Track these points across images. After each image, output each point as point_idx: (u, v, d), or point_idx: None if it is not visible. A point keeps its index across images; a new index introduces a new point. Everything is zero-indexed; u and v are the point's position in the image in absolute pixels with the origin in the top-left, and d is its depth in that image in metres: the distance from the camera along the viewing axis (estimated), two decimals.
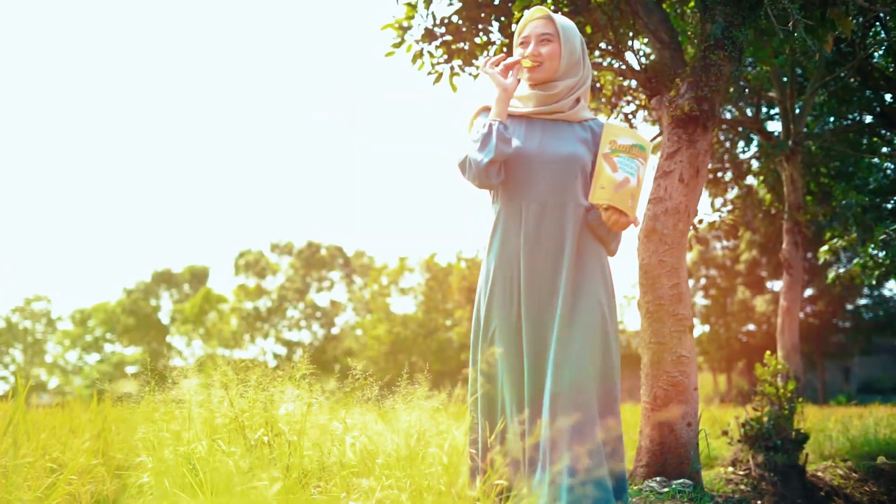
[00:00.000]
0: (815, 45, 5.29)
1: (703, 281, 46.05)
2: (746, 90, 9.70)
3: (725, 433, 7.76)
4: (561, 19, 3.87)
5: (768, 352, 7.54)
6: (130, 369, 68.63)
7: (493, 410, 3.75)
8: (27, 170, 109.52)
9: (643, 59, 7.24)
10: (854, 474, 8.04)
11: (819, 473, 7.80)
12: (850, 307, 40.16)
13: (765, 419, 7.13)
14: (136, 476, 4.18)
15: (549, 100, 3.85)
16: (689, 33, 5.51)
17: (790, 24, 4.79)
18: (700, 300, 46.40)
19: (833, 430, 10.47)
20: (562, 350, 3.56)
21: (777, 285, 41.84)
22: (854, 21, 5.53)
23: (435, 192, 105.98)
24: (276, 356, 64.11)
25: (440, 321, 55.27)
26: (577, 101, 3.88)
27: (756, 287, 42.98)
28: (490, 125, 3.71)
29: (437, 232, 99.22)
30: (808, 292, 38.40)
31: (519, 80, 3.88)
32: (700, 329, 45.72)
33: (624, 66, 6.29)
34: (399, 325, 55.15)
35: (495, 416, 3.73)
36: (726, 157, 11.20)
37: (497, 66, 3.85)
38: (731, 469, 7.24)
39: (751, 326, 43.73)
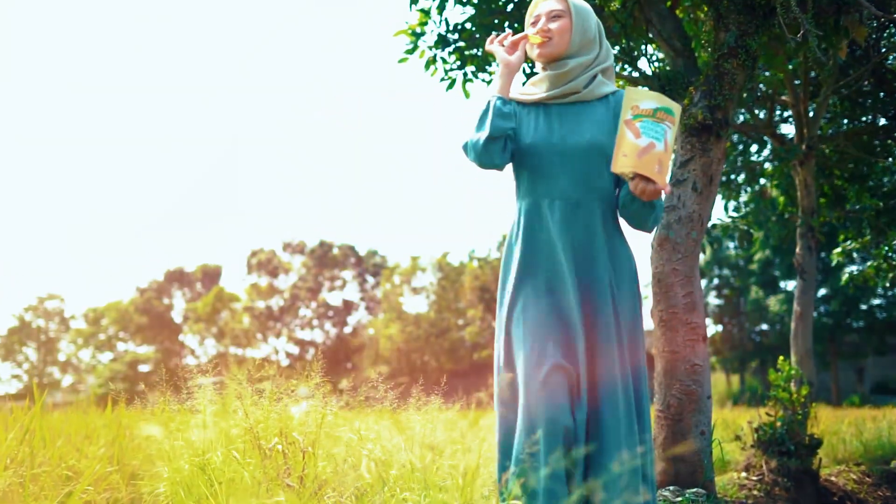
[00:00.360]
0: (825, 56, 5.29)
1: (716, 281, 46.02)
2: (759, 95, 9.68)
3: (738, 438, 7.76)
4: None
5: (782, 357, 7.54)
6: (143, 368, 68.95)
7: (510, 436, 3.45)
8: (40, 169, 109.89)
9: (657, 64, 7.23)
10: (868, 479, 8.03)
11: (832, 478, 7.78)
12: (863, 307, 40.01)
13: (778, 424, 7.12)
14: (151, 485, 4.19)
15: (561, 79, 3.62)
16: (703, 42, 5.50)
17: (801, 33, 4.78)
18: (713, 300, 46.34)
19: (846, 433, 10.44)
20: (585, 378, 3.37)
21: (790, 285, 41.78)
22: (867, 26, 5.52)
23: (447, 192, 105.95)
24: (288, 355, 64.26)
25: (452, 321, 55.31)
26: (594, 77, 3.66)
27: (769, 287, 42.90)
28: (487, 102, 3.57)
29: (450, 231, 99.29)
30: (822, 292, 38.28)
31: (525, 57, 3.71)
32: (713, 329, 45.72)
33: (637, 74, 6.30)
34: (411, 325, 55.20)
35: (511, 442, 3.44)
36: (739, 160, 11.17)
37: (504, 42, 3.70)
38: (744, 474, 7.23)
39: (764, 326, 43.68)
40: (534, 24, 3.70)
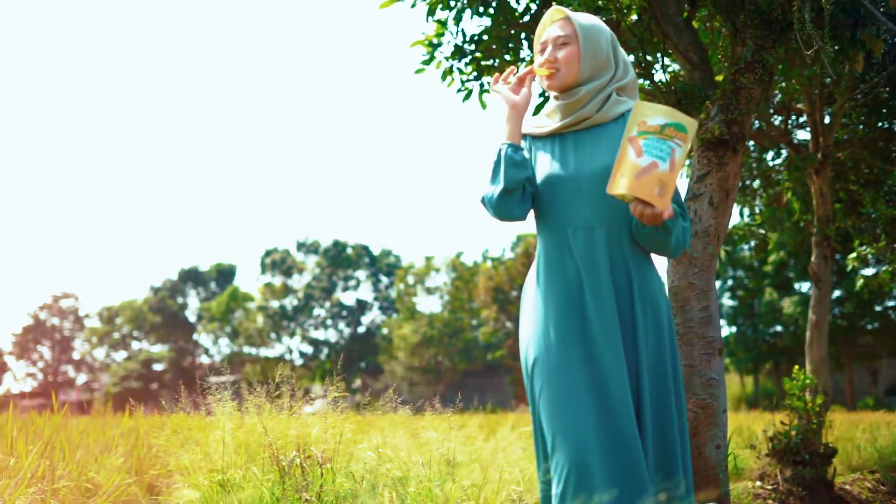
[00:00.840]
0: (841, 69, 5.26)
1: (730, 282, 45.90)
2: (775, 100, 9.65)
3: (753, 447, 7.76)
4: (582, 18, 3.43)
5: (797, 366, 7.53)
6: (157, 366, 69.25)
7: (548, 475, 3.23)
8: (57, 167, 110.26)
9: (672, 71, 7.21)
10: (882, 487, 8.00)
11: (847, 487, 7.77)
12: (878, 308, 39.86)
13: (793, 433, 7.12)
14: (170, 501, 4.21)
15: (573, 108, 3.39)
16: (720, 56, 5.49)
17: (814, 49, 4.78)
18: (727, 301, 46.21)
19: (861, 439, 10.44)
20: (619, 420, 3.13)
21: (805, 286, 41.65)
22: (884, 39, 5.51)
23: (461, 192, 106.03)
24: (302, 355, 64.41)
25: (466, 321, 55.36)
26: (609, 97, 3.40)
27: (784, 288, 42.75)
28: (498, 151, 3.33)
29: (464, 231, 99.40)
30: (836, 293, 38.14)
31: (530, 94, 3.44)
32: (727, 330, 45.59)
33: (653, 87, 6.29)
34: (425, 325, 55.25)
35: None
36: (755, 165, 11.13)
37: (507, 80, 3.46)
38: (758, 483, 7.23)
39: (778, 328, 43.52)
40: (542, 51, 3.48)
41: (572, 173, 3.33)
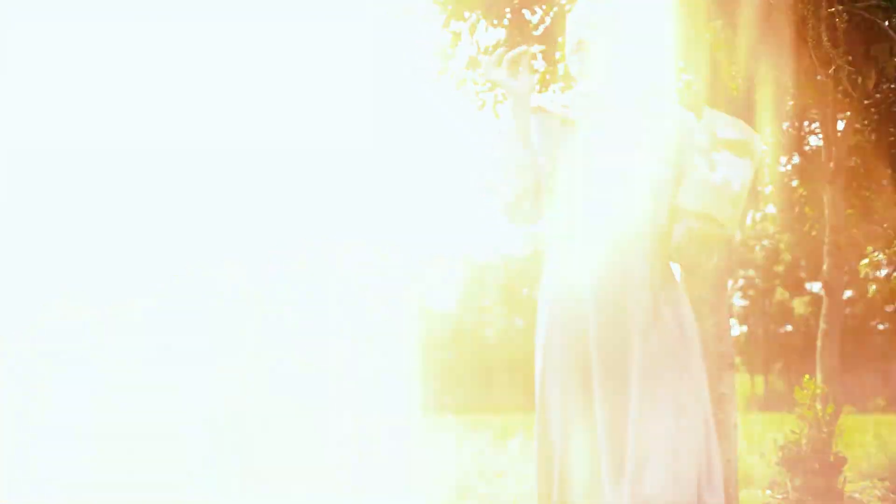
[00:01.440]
0: (855, 85, 5.27)
1: (741, 282, 45.71)
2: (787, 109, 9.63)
3: (763, 455, 7.78)
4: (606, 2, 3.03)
5: (807, 375, 7.52)
6: None
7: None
8: (67, 166, 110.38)
9: (686, 80, 7.21)
10: (892, 495, 8.02)
11: (856, 495, 7.77)
12: (888, 308, 39.70)
13: (803, 442, 7.12)
14: None
15: (596, 97, 3.02)
16: (734, 73, 5.48)
17: (832, 69, 4.79)
18: (738, 301, 46.06)
19: (871, 444, 10.44)
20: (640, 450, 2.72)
21: (816, 286, 41.56)
22: None
23: (472, 190, 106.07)
24: None
25: (477, 319, 55.15)
26: (640, 90, 3.03)
27: (795, 288, 42.61)
28: (505, 153, 2.98)
29: (474, 229, 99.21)
30: (847, 294, 38.01)
31: (531, 77, 2.98)
32: (738, 330, 45.45)
33: None
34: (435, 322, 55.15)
35: None
36: (766, 171, 11.08)
37: (500, 65, 2.97)
38: (768, 492, 7.25)
39: (789, 327, 43.36)
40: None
41: (594, 172, 2.95)
